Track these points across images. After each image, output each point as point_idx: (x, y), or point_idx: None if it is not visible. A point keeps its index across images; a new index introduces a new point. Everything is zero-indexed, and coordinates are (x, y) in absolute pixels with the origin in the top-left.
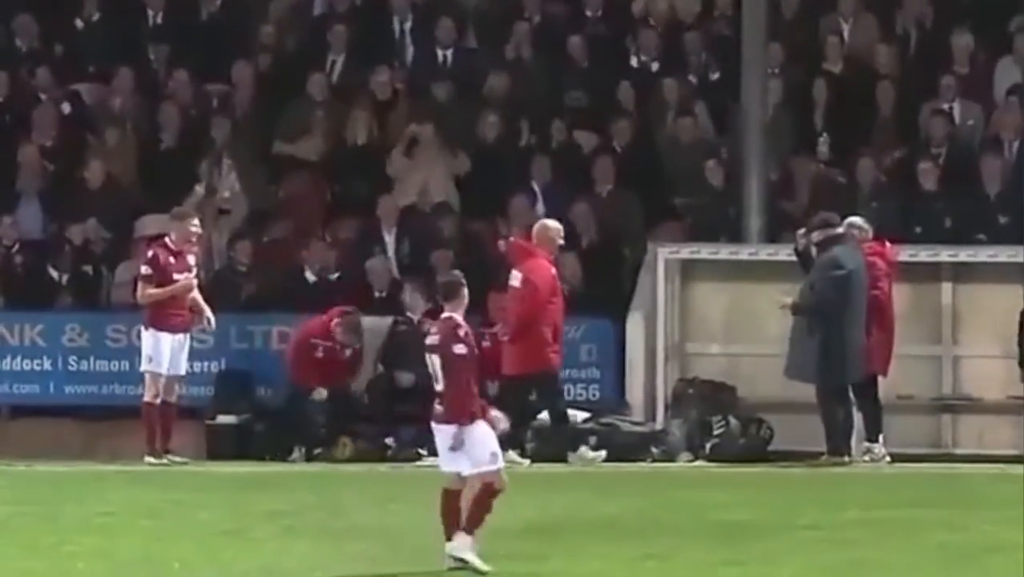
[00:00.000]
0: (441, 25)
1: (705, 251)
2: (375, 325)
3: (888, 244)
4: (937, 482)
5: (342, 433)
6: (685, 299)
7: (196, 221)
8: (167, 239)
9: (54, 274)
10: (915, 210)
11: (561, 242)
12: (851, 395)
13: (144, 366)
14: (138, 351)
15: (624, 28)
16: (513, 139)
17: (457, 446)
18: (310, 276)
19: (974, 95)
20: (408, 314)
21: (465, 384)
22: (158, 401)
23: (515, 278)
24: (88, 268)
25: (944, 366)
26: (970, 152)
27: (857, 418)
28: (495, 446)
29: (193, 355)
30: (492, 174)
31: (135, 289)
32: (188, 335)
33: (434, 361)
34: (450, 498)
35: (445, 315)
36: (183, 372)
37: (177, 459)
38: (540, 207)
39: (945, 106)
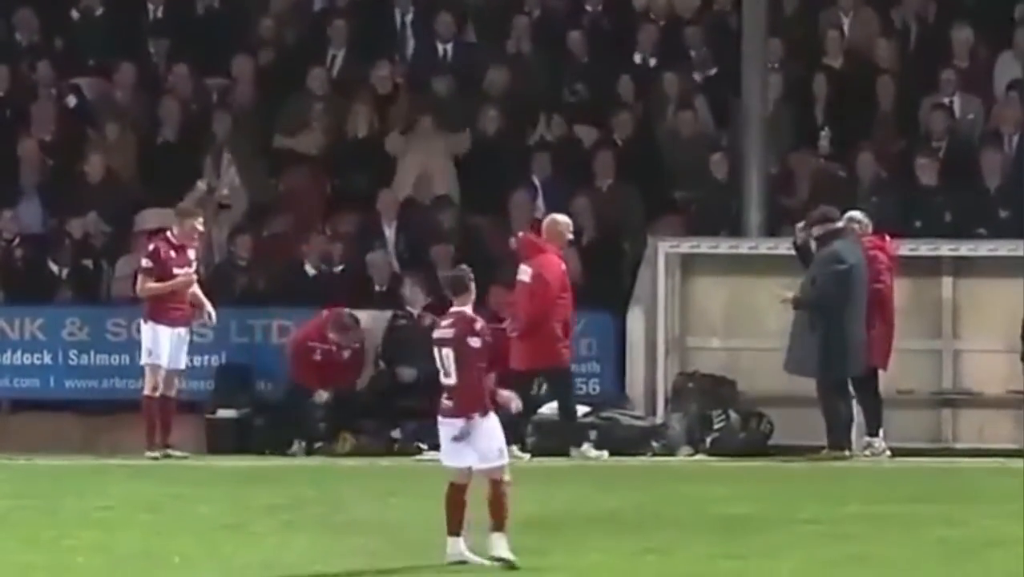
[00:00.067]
0: (441, 19)
1: (705, 245)
2: (375, 319)
3: (888, 238)
4: (937, 476)
5: (343, 428)
6: (685, 293)
7: (201, 219)
8: (169, 233)
9: (54, 268)
10: (915, 204)
11: (570, 237)
12: (851, 389)
13: (144, 359)
14: (138, 345)
15: (625, 22)
16: (513, 133)
17: (462, 437)
18: (310, 270)
19: (974, 89)
20: (408, 308)
21: (479, 378)
22: (157, 394)
23: (524, 273)
24: (88, 262)
25: (944, 360)
26: (970, 146)
27: (857, 412)
28: (503, 441)
29: (193, 349)
30: (492, 168)
31: (135, 282)
32: (188, 329)
33: (446, 355)
34: (457, 492)
35: (455, 309)
36: (183, 366)
37: (177, 453)
38: (540, 201)
39: (945, 100)
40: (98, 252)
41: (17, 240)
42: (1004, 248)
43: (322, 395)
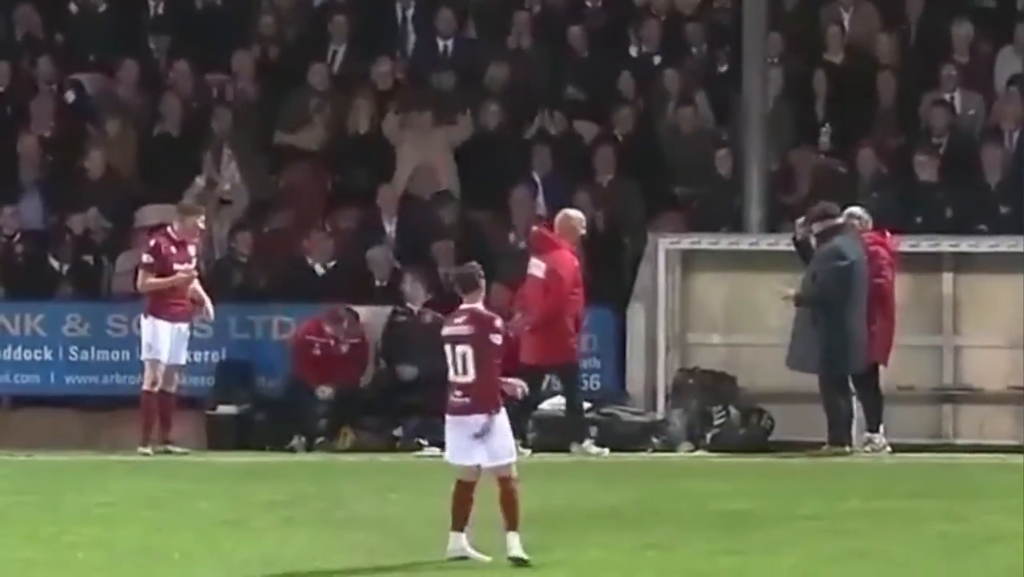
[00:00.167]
0: (442, 15)
1: (705, 241)
2: (375, 315)
3: (888, 234)
4: (938, 472)
5: (343, 423)
6: (686, 289)
7: (203, 217)
8: (169, 229)
9: (55, 264)
10: (916, 200)
11: (583, 232)
12: (851, 385)
13: (143, 354)
14: (139, 341)
15: (625, 18)
16: (513, 129)
17: (483, 434)
18: (311, 266)
19: (975, 85)
20: (408, 305)
21: (496, 374)
22: (156, 389)
23: (537, 267)
24: (89, 258)
25: (945, 356)
26: (971, 142)
27: (857, 408)
28: (512, 439)
29: (193, 345)
30: (493, 164)
31: (136, 278)
32: (188, 325)
33: (462, 352)
34: (465, 490)
35: (467, 306)
36: (183, 362)
37: (177, 449)
38: (540, 197)
39: (946, 96)
40: (98, 248)
41: (18, 236)
42: (1004, 244)
43: (325, 391)
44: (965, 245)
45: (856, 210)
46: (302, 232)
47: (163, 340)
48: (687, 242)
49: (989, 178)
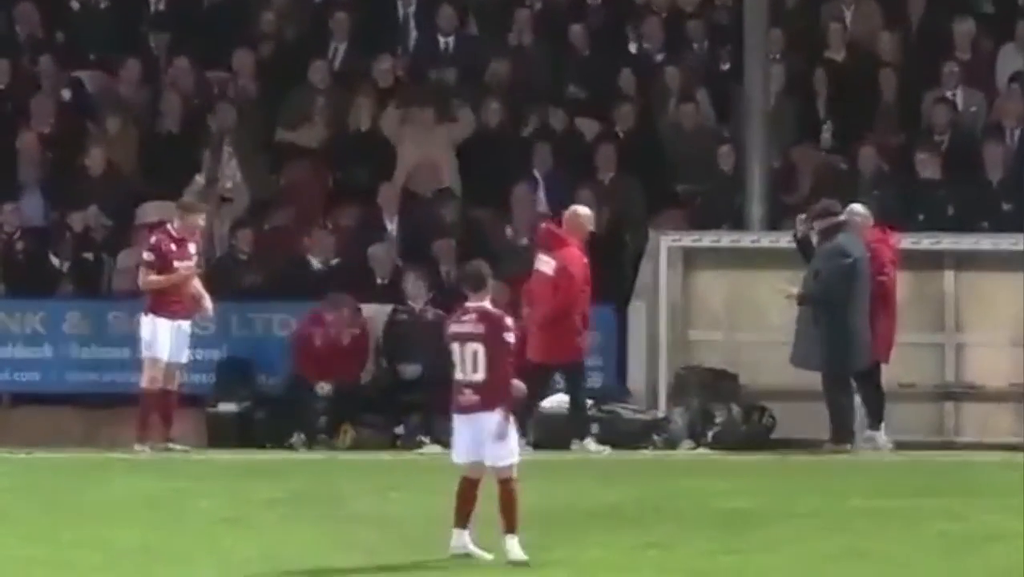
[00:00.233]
0: (443, 12)
1: (707, 239)
2: (377, 313)
3: (890, 231)
4: (939, 470)
5: (343, 421)
6: (687, 287)
7: (203, 215)
8: (169, 226)
9: (55, 261)
10: (917, 198)
11: (592, 229)
12: (852, 383)
13: (142, 352)
14: (139, 338)
15: (626, 15)
16: (514, 126)
17: (501, 433)
18: (312, 263)
19: (976, 82)
20: (409, 303)
21: (510, 372)
22: (155, 388)
23: (546, 264)
24: (89, 255)
25: (947, 354)
26: (972, 139)
27: (858, 406)
28: (515, 440)
29: (194, 342)
30: (494, 161)
31: (137, 276)
32: (189, 322)
33: (472, 350)
34: (470, 487)
35: (475, 304)
36: (184, 360)
37: (178, 447)
38: (542, 194)
39: (948, 93)
40: (99, 245)
41: (18, 233)
42: (1006, 242)
43: (324, 387)
44: (967, 243)
45: (857, 207)
46: (303, 230)
47: (163, 338)
48: (688, 239)
49: (991, 175)
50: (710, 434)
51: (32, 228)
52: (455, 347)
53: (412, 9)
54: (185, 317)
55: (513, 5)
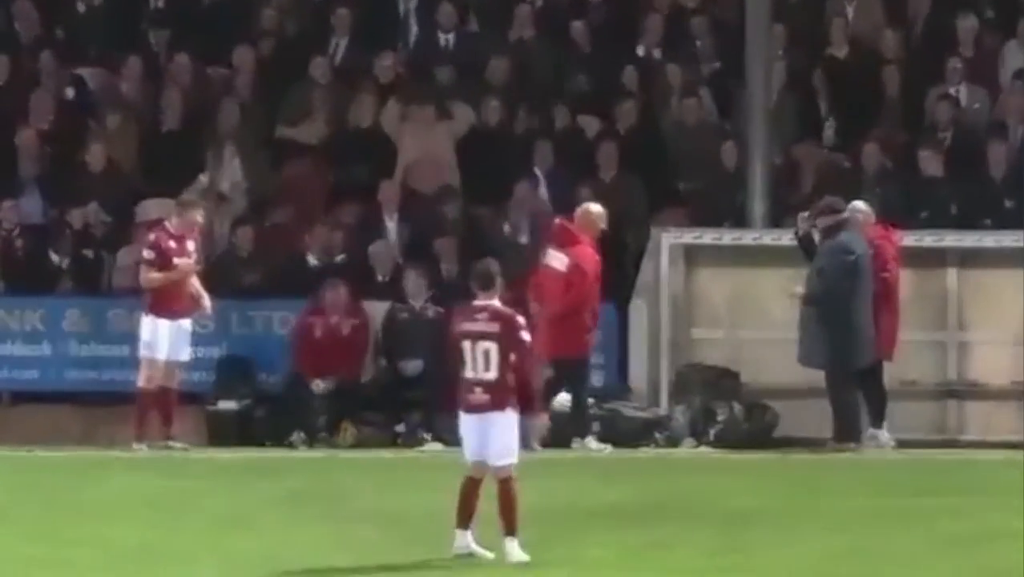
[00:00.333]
0: (443, 9)
1: (708, 236)
2: (378, 310)
3: (892, 229)
4: (942, 469)
5: (343, 418)
6: (688, 284)
7: (201, 211)
8: (167, 223)
9: (55, 259)
10: (920, 195)
11: (603, 227)
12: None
13: (141, 351)
14: (139, 337)
15: (628, 12)
16: (516, 124)
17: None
18: (312, 261)
19: (980, 79)
20: (410, 301)
21: (531, 370)
22: (152, 387)
23: (557, 260)
24: (89, 252)
25: (949, 352)
26: (976, 136)
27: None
28: (516, 439)
29: (194, 340)
30: (495, 158)
31: (137, 274)
32: (189, 321)
33: (485, 348)
34: (473, 486)
35: (484, 303)
36: (185, 358)
37: (178, 445)
38: (543, 192)
39: (951, 90)
40: (99, 242)
41: (17, 230)
42: (1009, 239)
43: (319, 384)
44: (969, 240)
45: (859, 204)
46: (303, 227)
47: (162, 337)
48: (690, 237)
49: (994, 173)
50: (712, 432)
51: (31, 225)
52: (466, 345)
53: (413, 5)
54: (185, 316)
55: (514, 1)
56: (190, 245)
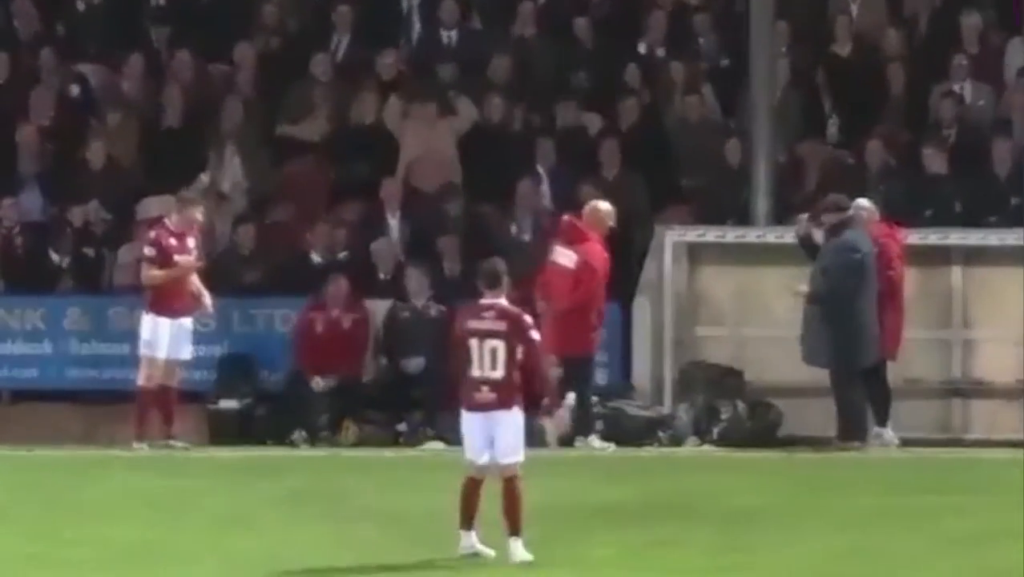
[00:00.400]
0: (446, 6)
1: (712, 234)
2: (380, 309)
3: (896, 227)
4: (946, 468)
5: (345, 416)
6: (692, 282)
7: (201, 208)
8: (167, 221)
9: (55, 257)
10: (925, 193)
11: (612, 224)
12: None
13: (141, 350)
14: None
15: (631, 9)
16: (518, 121)
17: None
18: (313, 259)
19: (984, 76)
20: (412, 300)
21: (545, 367)
22: (152, 385)
23: (566, 257)
24: (89, 251)
25: (953, 350)
26: (980, 134)
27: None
28: (522, 438)
29: (195, 339)
30: (497, 156)
31: (138, 272)
32: (190, 319)
33: (492, 347)
34: (474, 487)
35: (491, 301)
36: (186, 356)
37: (179, 444)
38: (546, 190)
39: (956, 87)
40: (99, 240)
41: (17, 228)
42: (1014, 237)
43: (319, 382)
44: (974, 238)
45: (864, 202)
46: (304, 225)
47: (162, 336)
48: (693, 235)
49: (998, 170)
50: (715, 431)
51: (31, 223)
52: (473, 343)
53: (415, 2)
54: (186, 314)
55: None
56: (191, 242)
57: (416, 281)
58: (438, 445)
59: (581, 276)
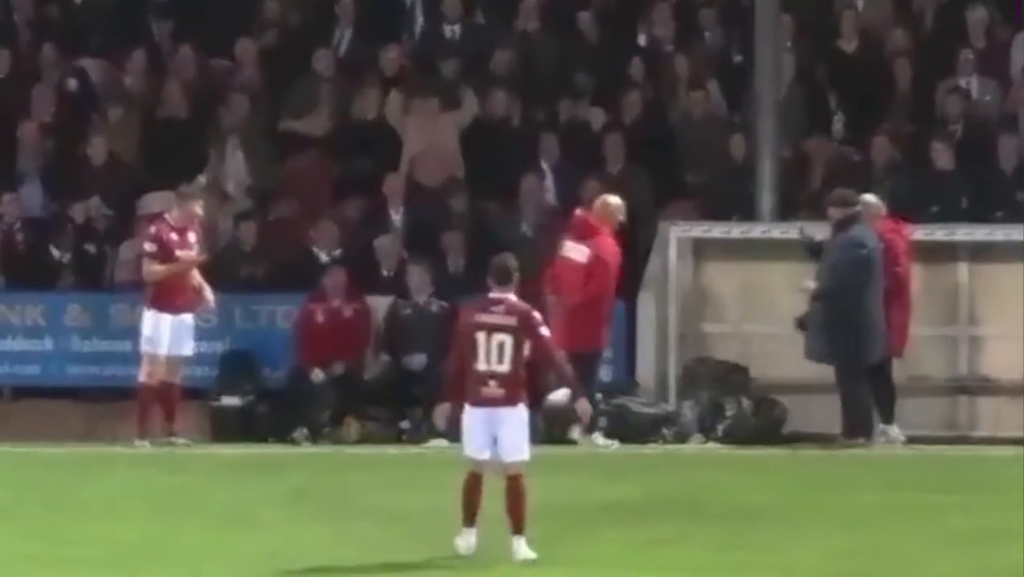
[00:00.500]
0: (448, 0)
1: (717, 230)
2: (382, 305)
3: (903, 222)
4: (952, 465)
5: (347, 413)
6: (697, 278)
7: (200, 202)
8: (167, 216)
9: (56, 253)
10: (931, 188)
11: (622, 218)
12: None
13: (143, 346)
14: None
15: (635, 3)
16: (521, 116)
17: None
18: (316, 255)
19: (991, 71)
20: (413, 297)
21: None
22: (153, 382)
23: (577, 252)
24: (91, 247)
25: (960, 347)
26: (987, 129)
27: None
28: (527, 436)
29: (197, 335)
30: (500, 151)
31: (140, 268)
32: (191, 315)
33: (500, 341)
34: (475, 483)
35: (501, 296)
36: (188, 353)
37: (180, 441)
38: (550, 186)
39: (962, 82)
40: (101, 237)
41: (18, 224)
42: (1020, 233)
43: (319, 374)
44: (980, 234)
45: (870, 198)
46: (307, 221)
47: (164, 332)
48: (698, 230)
49: (1005, 165)
50: (720, 428)
51: (32, 219)
52: (480, 336)
53: None
54: (187, 310)
55: None
56: (192, 237)
57: (418, 277)
58: (442, 443)
59: (593, 270)
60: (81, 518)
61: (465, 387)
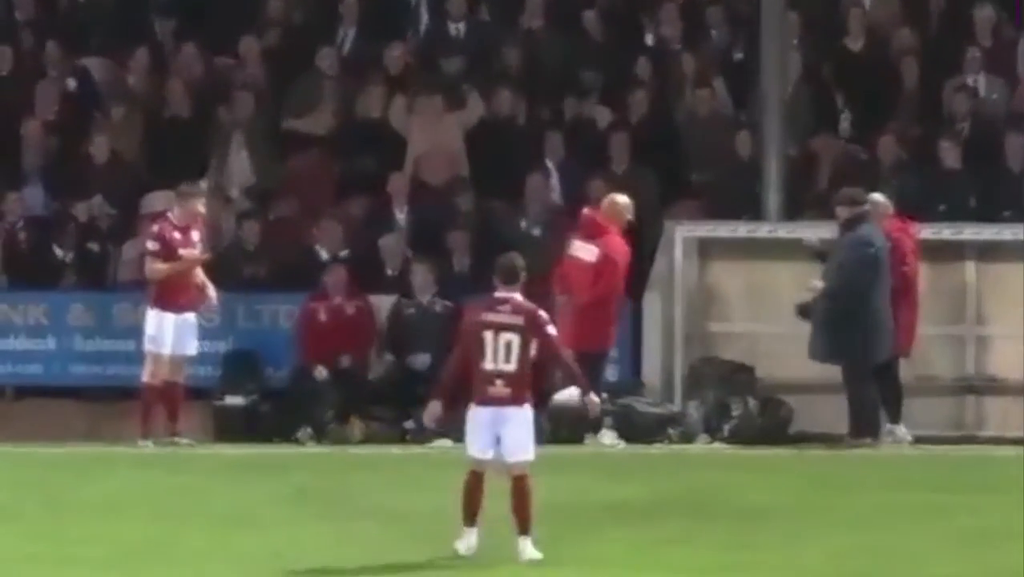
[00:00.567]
0: None
1: (723, 229)
2: (386, 305)
3: (910, 221)
4: (959, 465)
5: (351, 413)
6: (703, 278)
7: (202, 200)
8: (169, 215)
9: (58, 252)
10: (938, 187)
11: (630, 217)
12: None
13: (146, 346)
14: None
15: (641, 2)
16: (526, 114)
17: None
18: (319, 254)
19: (998, 69)
20: (417, 296)
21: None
22: (157, 382)
23: (586, 251)
24: (94, 246)
25: (967, 346)
26: (994, 128)
27: None
28: (532, 436)
29: (200, 334)
30: (505, 150)
31: (142, 266)
32: (195, 315)
33: (507, 340)
34: (477, 482)
35: (507, 295)
36: (192, 352)
37: (184, 441)
38: (555, 184)
39: (969, 80)
40: (103, 236)
41: (21, 223)
42: None
43: (322, 372)
44: (988, 233)
45: (877, 196)
46: (310, 220)
47: (167, 331)
48: (704, 230)
49: (1012, 164)
50: (726, 428)
51: (35, 218)
52: (487, 335)
53: None
54: (190, 309)
55: None
56: (195, 235)
57: (422, 277)
58: (446, 443)
59: (602, 269)
60: (84, 518)
61: (465, 387)
